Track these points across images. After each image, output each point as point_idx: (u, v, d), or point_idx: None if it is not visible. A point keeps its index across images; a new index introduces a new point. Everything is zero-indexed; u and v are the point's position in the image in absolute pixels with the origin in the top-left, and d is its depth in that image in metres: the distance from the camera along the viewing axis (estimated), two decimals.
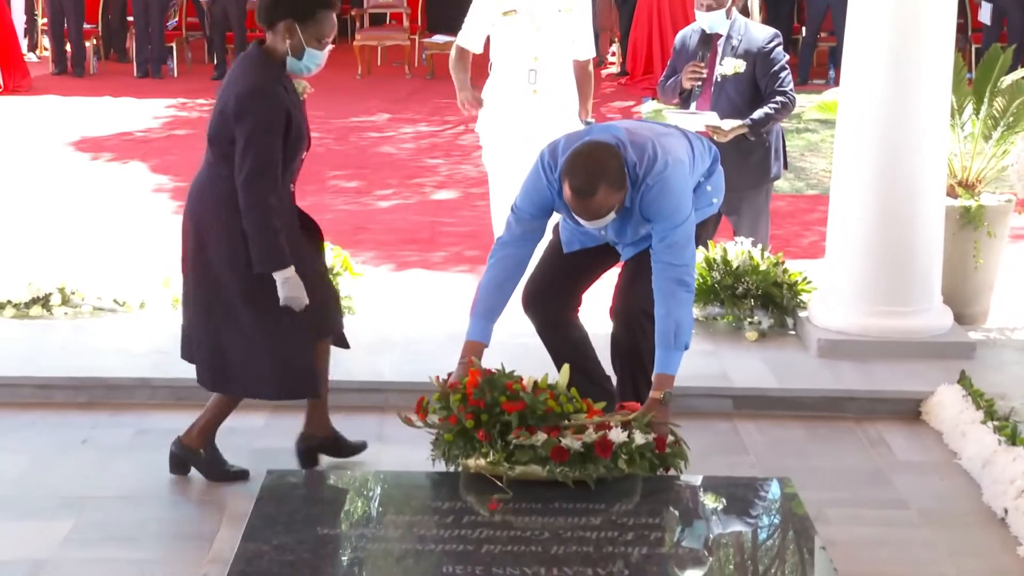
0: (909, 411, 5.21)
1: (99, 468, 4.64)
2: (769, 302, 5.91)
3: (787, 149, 6.58)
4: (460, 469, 4.24)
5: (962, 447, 4.80)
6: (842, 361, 5.52)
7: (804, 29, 15.75)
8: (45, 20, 17.10)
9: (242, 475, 4.52)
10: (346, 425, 5.01)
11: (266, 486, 4.22)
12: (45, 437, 4.89)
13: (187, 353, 4.56)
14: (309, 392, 4.50)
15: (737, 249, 6.00)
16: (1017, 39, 13.33)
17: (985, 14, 14.95)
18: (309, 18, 4.25)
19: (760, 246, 6.07)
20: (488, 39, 6.23)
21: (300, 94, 4.47)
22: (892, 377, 5.39)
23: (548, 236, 4.91)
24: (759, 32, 6.28)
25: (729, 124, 6.09)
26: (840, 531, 4.21)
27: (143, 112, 13.23)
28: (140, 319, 5.94)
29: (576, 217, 4.45)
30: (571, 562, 3.71)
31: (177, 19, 17.02)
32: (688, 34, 6.44)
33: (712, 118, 6.08)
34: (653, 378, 4.44)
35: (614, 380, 4.84)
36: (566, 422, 4.24)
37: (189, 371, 4.77)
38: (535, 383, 4.29)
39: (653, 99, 13.14)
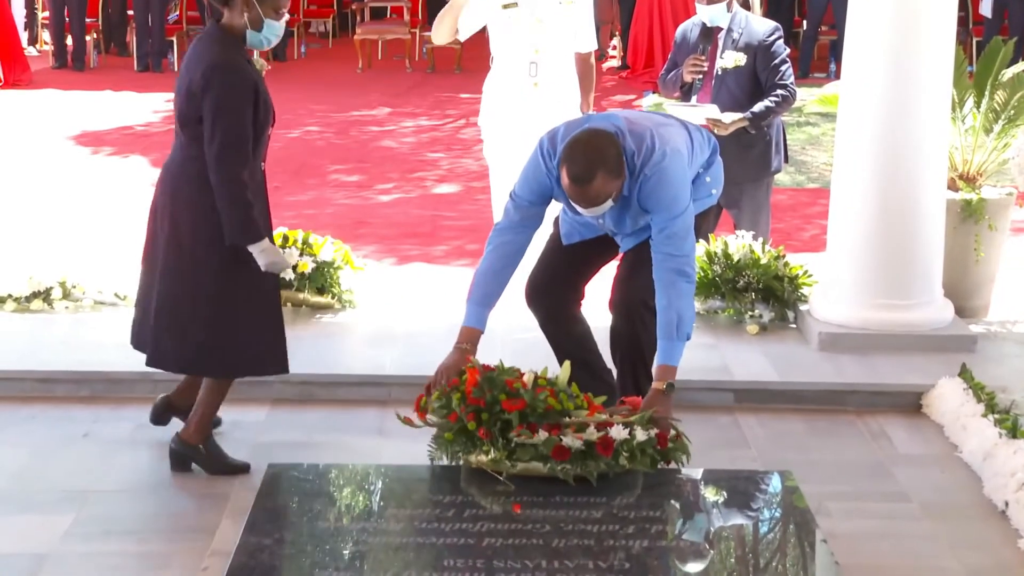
0: (910, 404, 5.21)
1: (100, 462, 4.65)
2: (770, 295, 5.91)
3: (788, 142, 6.57)
4: (461, 463, 4.24)
5: (963, 440, 4.80)
6: (843, 354, 5.52)
7: (805, 22, 15.75)
8: (45, 14, 17.11)
9: (243, 468, 4.53)
10: (347, 419, 5.03)
11: (267, 480, 4.22)
12: (46, 431, 4.90)
13: (139, 341, 4.57)
14: (281, 368, 4.52)
15: (738, 243, 6.00)
16: (1018, 32, 13.33)
17: (986, 7, 14.95)
18: None
19: (761, 239, 6.07)
20: (487, 34, 6.21)
21: (260, 71, 4.52)
22: (893, 370, 5.39)
23: (549, 229, 4.92)
24: (759, 25, 6.27)
25: (730, 117, 6.09)
26: (841, 524, 4.21)
27: (143, 106, 13.23)
28: None
29: (574, 205, 4.45)
30: (572, 555, 3.72)
31: (178, 13, 17.03)
32: (689, 27, 6.43)
33: (713, 111, 6.08)
34: (655, 369, 4.44)
35: (615, 373, 4.84)
36: (567, 419, 4.24)
37: None
38: (535, 378, 4.29)
39: (654, 92, 13.14)
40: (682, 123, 4.76)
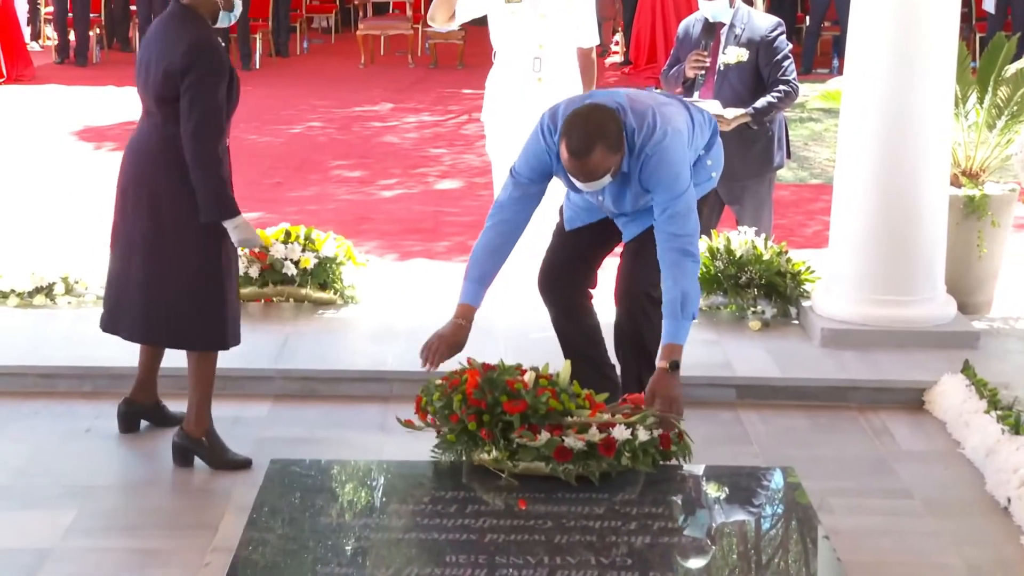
0: (912, 400, 5.20)
1: (103, 458, 4.65)
2: (772, 291, 5.91)
3: (791, 138, 6.57)
4: (463, 459, 4.24)
5: (965, 436, 4.80)
6: (845, 351, 5.52)
7: (808, 18, 15.74)
8: (48, 9, 17.11)
9: (245, 464, 4.53)
10: (349, 414, 5.03)
11: (270, 475, 4.22)
12: (49, 426, 4.90)
13: (111, 323, 4.60)
14: (237, 341, 4.58)
15: (740, 238, 6.00)
16: (1021, 28, 13.29)
17: (989, 3, 14.94)
18: None
19: (763, 235, 6.06)
20: (489, 30, 6.21)
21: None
22: (895, 366, 5.38)
23: (555, 218, 4.92)
24: (762, 21, 6.27)
25: (732, 113, 6.08)
26: (843, 520, 4.21)
27: None
28: None
29: (573, 180, 4.44)
30: (574, 551, 3.72)
31: None
32: (691, 23, 6.43)
33: (715, 107, 6.07)
34: (661, 348, 4.43)
35: (618, 369, 4.84)
36: (568, 419, 4.23)
37: None
38: (536, 378, 4.28)
39: (657, 88, 13.12)
40: (683, 104, 4.76)
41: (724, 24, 6.23)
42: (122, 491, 4.41)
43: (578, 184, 4.43)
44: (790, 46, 6.33)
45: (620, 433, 4.16)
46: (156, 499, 4.37)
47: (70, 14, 16.09)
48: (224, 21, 4.51)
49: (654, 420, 4.26)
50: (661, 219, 4.43)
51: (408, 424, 4.37)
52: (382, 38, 17.13)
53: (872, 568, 3.94)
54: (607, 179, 4.39)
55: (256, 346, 5.36)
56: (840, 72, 7.68)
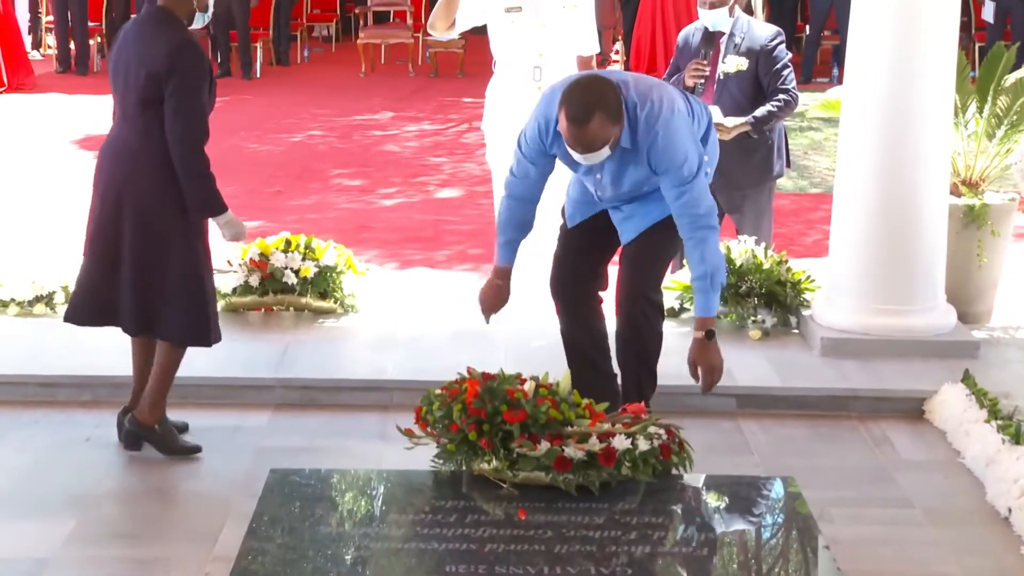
0: (913, 410, 5.20)
1: (103, 466, 4.64)
2: (772, 301, 5.91)
3: (790, 147, 6.57)
4: (463, 468, 4.24)
5: (966, 446, 4.80)
6: (846, 360, 5.52)
7: (808, 27, 15.75)
8: (49, 18, 17.12)
9: (194, 449, 4.63)
10: (349, 423, 5.02)
11: (269, 485, 4.21)
12: (48, 435, 4.90)
13: (98, 316, 4.67)
14: (219, 338, 4.64)
15: (740, 248, 6.00)
16: (1020, 37, 13.31)
17: (988, 12, 14.95)
18: None
19: (763, 244, 6.06)
20: (489, 38, 6.21)
21: None
22: (896, 376, 5.38)
23: (558, 219, 4.94)
24: (762, 30, 6.27)
25: (732, 122, 6.08)
26: (843, 530, 4.21)
27: None
28: None
29: (571, 152, 4.43)
30: (575, 560, 3.71)
31: None
32: (691, 32, 6.43)
33: (715, 114, 6.07)
34: (695, 320, 4.57)
35: (619, 378, 4.84)
36: (569, 429, 4.23)
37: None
38: (536, 387, 4.28)
39: None
40: (682, 93, 4.78)
41: (724, 33, 6.24)
42: (122, 500, 4.41)
43: (576, 156, 4.43)
44: (790, 55, 6.33)
45: (620, 443, 4.16)
46: (156, 508, 4.37)
47: (70, 23, 16.09)
48: (199, 22, 4.56)
49: (655, 430, 4.26)
50: (677, 206, 4.48)
51: (408, 433, 4.37)
52: (383, 47, 17.15)
53: None
54: (605, 151, 4.39)
55: (256, 355, 5.36)
56: (840, 81, 7.68)
